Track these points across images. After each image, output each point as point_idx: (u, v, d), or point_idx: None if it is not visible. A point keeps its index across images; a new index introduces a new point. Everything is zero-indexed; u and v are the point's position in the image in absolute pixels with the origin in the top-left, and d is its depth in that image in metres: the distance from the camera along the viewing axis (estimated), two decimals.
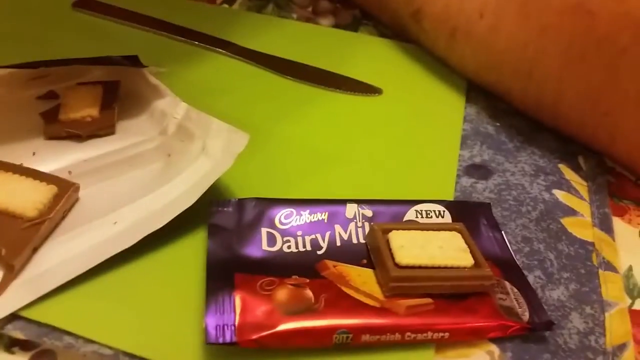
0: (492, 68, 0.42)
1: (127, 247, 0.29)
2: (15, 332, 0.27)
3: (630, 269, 0.34)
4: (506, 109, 0.44)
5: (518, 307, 0.29)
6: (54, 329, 0.27)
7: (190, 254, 0.30)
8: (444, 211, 0.33)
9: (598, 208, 0.37)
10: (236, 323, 0.26)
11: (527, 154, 0.41)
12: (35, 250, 0.29)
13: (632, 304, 0.32)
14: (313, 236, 0.30)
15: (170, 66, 0.43)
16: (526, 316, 0.29)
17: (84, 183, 0.33)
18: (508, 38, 0.40)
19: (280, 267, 0.29)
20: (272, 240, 0.30)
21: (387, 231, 0.30)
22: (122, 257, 0.29)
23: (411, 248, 0.29)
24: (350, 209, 0.32)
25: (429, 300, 0.28)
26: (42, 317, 0.27)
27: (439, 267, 0.28)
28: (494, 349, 0.29)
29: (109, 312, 0.28)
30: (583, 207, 0.37)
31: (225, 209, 0.31)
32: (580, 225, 0.36)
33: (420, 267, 0.28)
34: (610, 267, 0.34)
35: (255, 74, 0.44)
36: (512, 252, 0.33)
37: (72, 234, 0.30)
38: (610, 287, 0.32)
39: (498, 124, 0.43)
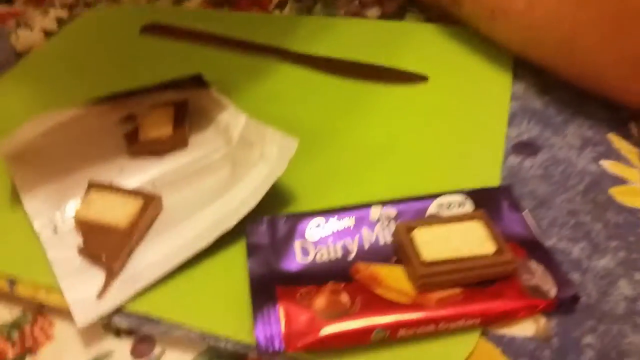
0: (534, 44, 0.41)
1: (205, 245, 0.33)
2: (120, 322, 0.32)
3: None
4: (554, 83, 0.43)
5: (544, 285, 0.29)
6: (150, 318, 0.32)
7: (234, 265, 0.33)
8: (465, 201, 0.33)
9: None
10: (283, 332, 0.28)
11: (575, 127, 0.40)
12: (130, 254, 0.34)
13: None
14: (342, 243, 0.32)
15: (233, 78, 0.47)
16: (553, 292, 0.29)
17: (166, 193, 0.37)
18: (546, 13, 0.38)
19: (316, 276, 0.30)
20: (305, 252, 0.32)
21: (410, 229, 0.31)
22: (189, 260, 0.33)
23: (435, 243, 0.30)
24: (375, 212, 0.33)
25: (458, 290, 0.29)
26: (140, 308, 0.32)
27: (463, 259, 0.29)
28: (540, 317, 0.29)
29: (190, 301, 0.32)
30: (633, 175, 0.36)
31: (259, 227, 0.33)
32: (630, 194, 0.35)
33: (445, 261, 0.29)
34: None
35: (304, 76, 0.46)
36: (534, 230, 0.32)
37: (160, 238, 0.35)
38: None
39: (546, 99, 0.42)
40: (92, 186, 0.37)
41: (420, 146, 0.39)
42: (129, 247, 0.34)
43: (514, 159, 0.38)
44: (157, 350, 0.33)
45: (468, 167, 0.37)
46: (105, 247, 0.34)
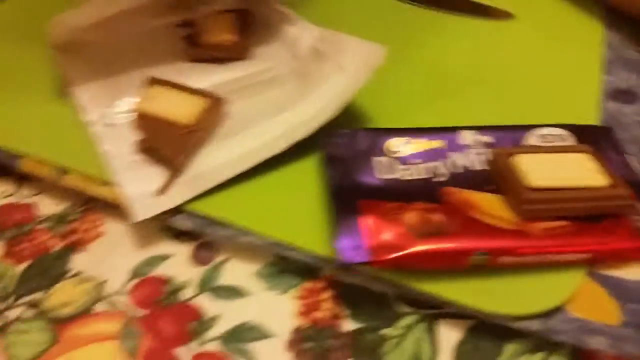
0: None
1: (275, 154, 0.30)
2: (182, 223, 0.29)
3: None
4: None
5: None
6: (216, 221, 0.29)
7: (312, 172, 0.31)
8: (566, 135, 0.31)
9: None
10: (368, 244, 0.26)
11: None
12: (193, 154, 0.31)
13: None
14: (431, 164, 0.29)
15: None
16: None
17: (228, 100, 0.34)
18: None
19: (402, 193, 0.28)
20: (388, 169, 0.29)
21: (511, 155, 0.28)
22: (264, 165, 0.31)
23: (540, 170, 0.27)
24: (468, 136, 0.30)
25: (564, 222, 0.27)
26: (205, 210, 0.29)
27: (573, 188, 0.27)
28: None
29: (264, 207, 0.29)
30: None
31: (338, 139, 0.31)
32: None
33: (553, 189, 0.26)
34: None
35: (385, 3, 0.43)
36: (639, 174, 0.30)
37: (226, 142, 0.32)
38: None
39: None
40: (154, 82, 0.34)
41: (511, 79, 0.36)
42: (193, 145, 0.31)
43: (612, 105, 0.35)
44: (219, 258, 0.30)
45: (564, 105, 0.35)
46: (169, 142, 0.31)
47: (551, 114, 0.34)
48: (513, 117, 0.33)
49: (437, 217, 0.26)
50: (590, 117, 0.34)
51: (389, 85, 0.36)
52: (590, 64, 0.38)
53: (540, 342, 0.26)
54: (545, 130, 0.31)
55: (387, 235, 0.26)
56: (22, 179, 0.34)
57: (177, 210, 0.30)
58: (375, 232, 0.26)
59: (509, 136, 0.30)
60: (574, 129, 0.31)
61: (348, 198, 0.28)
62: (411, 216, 0.27)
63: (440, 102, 0.35)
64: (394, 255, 0.25)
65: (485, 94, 0.35)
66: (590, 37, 0.40)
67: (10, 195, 0.33)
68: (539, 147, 0.30)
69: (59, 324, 0.28)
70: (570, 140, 0.30)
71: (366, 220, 0.26)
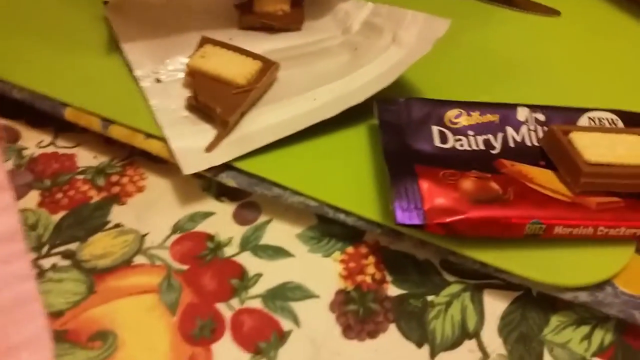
0: None
1: (327, 117, 0.30)
2: (229, 180, 0.29)
3: None
4: None
5: None
6: (264, 180, 0.29)
7: (363, 139, 0.31)
8: (616, 120, 0.30)
9: None
10: (424, 207, 0.25)
11: None
12: (243, 114, 0.31)
13: None
14: (485, 137, 0.29)
15: None
16: None
17: (280, 66, 0.34)
18: None
19: (457, 162, 0.28)
20: (443, 137, 0.29)
21: (567, 132, 0.28)
22: (310, 130, 0.30)
23: (596, 148, 0.27)
24: (522, 112, 0.30)
25: (618, 198, 0.26)
26: (254, 169, 0.29)
27: (631, 166, 0.26)
28: None
29: (313, 170, 0.29)
30: None
31: (392, 107, 0.30)
32: None
33: (611, 165, 0.26)
34: None
35: None
36: None
37: (275, 105, 0.32)
38: None
39: None
40: (207, 41, 0.33)
41: (559, 69, 0.36)
42: (244, 105, 0.31)
43: None
44: (262, 218, 0.30)
45: (611, 94, 0.35)
46: (220, 100, 0.31)
47: (598, 102, 0.34)
48: (561, 103, 0.33)
49: (494, 185, 0.26)
50: (636, 105, 0.34)
51: (442, 63, 0.35)
52: (634, 57, 0.38)
53: (586, 315, 0.26)
54: (596, 114, 0.31)
55: (444, 199, 0.26)
56: (60, 130, 0.33)
57: (225, 167, 0.29)
58: (431, 196, 0.26)
59: (562, 116, 0.30)
60: (622, 114, 0.31)
61: (404, 162, 0.27)
62: (468, 183, 0.26)
63: (490, 85, 0.35)
64: (450, 219, 0.25)
65: (533, 80, 0.35)
66: (632, 34, 0.40)
67: (49, 145, 0.33)
68: (594, 126, 0.30)
69: (95, 274, 0.27)
70: (619, 124, 0.30)
71: (423, 184, 0.26)
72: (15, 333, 0.23)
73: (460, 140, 0.29)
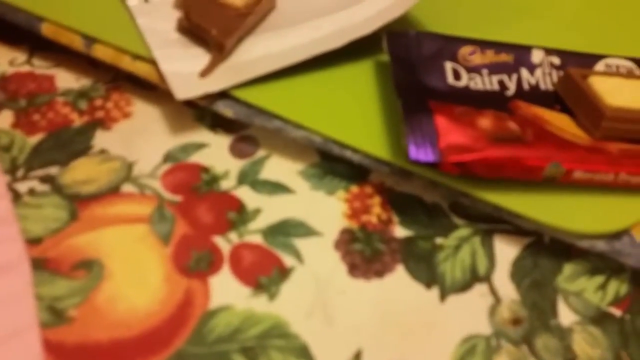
0: None
1: (332, 48, 0.28)
2: (226, 109, 0.27)
3: None
4: None
5: None
6: (264, 111, 0.27)
7: (371, 74, 0.29)
8: (635, 68, 0.29)
9: None
10: (440, 145, 0.24)
11: None
12: (240, 40, 0.29)
13: None
14: (499, 77, 0.28)
15: None
16: None
17: None
18: None
19: (471, 101, 0.27)
20: (456, 75, 0.28)
21: (585, 76, 0.27)
22: (314, 63, 0.28)
23: (617, 93, 0.26)
24: (537, 55, 0.29)
25: (639, 146, 0.26)
26: (253, 100, 0.27)
27: None
28: None
29: (317, 104, 0.27)
30: None
31: (402, 40, 0.29)
32: None
33: (633, 110, 0.25)
34: None
35: None
36: None
37: (275, 33, 0.29)
38: None
39: None
40: None
41: (578, 12, 0.35)
42: (242, 29, 0.29)
43: None
44: (260, 153, 0.28)
45: (631, 42, 0.33)
46: (215, 22, 0.28)
47: (615, 49, 0.32)
48: (576, 48, 0.32)
49: (512, 125, 0.25)
50: None
51: (450, 1, 0.34)
52: None
53: (600, 265, 0.25)
54: (614, 61, 0.29)
55: (461, 136, 0.24)
56: (37, 49, 0.30)
57: (222, 96, 0.27)
58: (448, 132, 0.24)
59: (578, 61, 0.29)
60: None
61: (417, 98, 0.26)
62: (485, 121, 0.25)
63: (501, 26, 0.33)
64: (467, 157, 0.24)
65: (548, 24, 0.34)
66: None
67: (24, 64, 0.30)
68: (614, 72, 0.28)
69: (79, 201, 0.25)
70: (637, 73, 0.29)
71: (439, 119, 0.25)
72: None
73: (474, 78, 0.28)
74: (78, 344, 0.21)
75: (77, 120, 0.28)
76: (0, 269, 0.20)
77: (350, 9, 0.31)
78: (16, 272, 0.20)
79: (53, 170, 0.26)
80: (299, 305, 0.23)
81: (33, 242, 0.23)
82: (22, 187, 0.25)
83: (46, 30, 0.29)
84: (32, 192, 0.25)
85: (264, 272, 0.24)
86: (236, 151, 0.28)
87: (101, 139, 0.27)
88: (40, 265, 0.23)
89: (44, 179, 0.26)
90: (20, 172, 0.26)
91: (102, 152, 0.27)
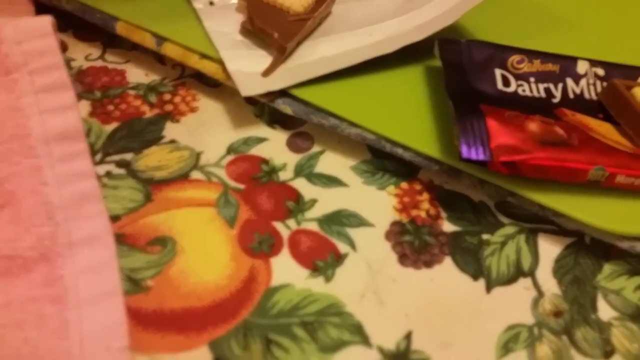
0: None
1: (384, 53, 0.30)
2: (285, 107, 0.29)
3: None
4: None
5: None
6: (321, 109, 0.29)
7: (421, 78, 0.32)
8: None
9: None
10: (491, 144, 0.26)
11: None
12: (299, 43, 0.31)
13: None
14: (546, 85, 0.30)
15: None
16: None
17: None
18: None
19: (521, 106, 0.28)
20: (506, 81, 0.30)
21: (630, 87, 0.29)
22: (369, 65, 0.30)
23: None
24: (582, 65, 0.31)
25: None
26: (310, 98, 0.29)
27: None
28: None
29: (369, 104, 0.29)
30: None
31: (454, 46, 0.31)
32: None
33: None
34: None
35: None
36: None
37: (330, 37, 0.32)
38: None
39: None
40: None
41: (619, 27, 0.36)
42: (301, 33, 0.31)
43: None
44: (315, 148, 0.30)
45: None
46: (277, 26, 0.31)
47: None
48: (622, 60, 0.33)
49: (559, 130, 0.27)
50: None
51: (497, 12, 0.36)
52: None
53: (638, 267, 0.27)
54: None
55: (510, 138, 0.26)
56: (109, 46, 0.33)
57: (282, 94, 0.30)
58: (498, 133, 0.26)
59: (621, 72, 0.31)
60: None
61: (469, 101, 0.28)
62: (533, 125, 0.27)
63: (544, 38, 0.35)
64: (516, 157, 0.25)
65: (590, 37, 0.35)
66: None
67: (97, 59, 0.33)
68: None
69: (152, 185, 0.27)
70: None
71: (490, 121, 0.26)
72: (77, 228, 0.23)
73: (522, 85, 0.29)
74: (154, 310, 0.23)
75: (148, 112, 0.30)
76: (91, 240, 0.23)
77: (401, 17, 0.33)
78: (104, 243, 0.23)
79: (128, 156, 0.28)
80: (353, 288, 0.25)
81: (112, 219, 0.26)
82: (100, 170, 0.28)
83: (120, 29, 0.32)
84: (109, 174, 0.28)
85: (321, 257, 0.26)
86: (293, 146, 0.30)
87: (171, 130, 0.30)
88: (119, 239, 0.25)
89: (120, 164, 0.28)
90: (98, 157, 0.28)
91: (172, 142, 0.29)
